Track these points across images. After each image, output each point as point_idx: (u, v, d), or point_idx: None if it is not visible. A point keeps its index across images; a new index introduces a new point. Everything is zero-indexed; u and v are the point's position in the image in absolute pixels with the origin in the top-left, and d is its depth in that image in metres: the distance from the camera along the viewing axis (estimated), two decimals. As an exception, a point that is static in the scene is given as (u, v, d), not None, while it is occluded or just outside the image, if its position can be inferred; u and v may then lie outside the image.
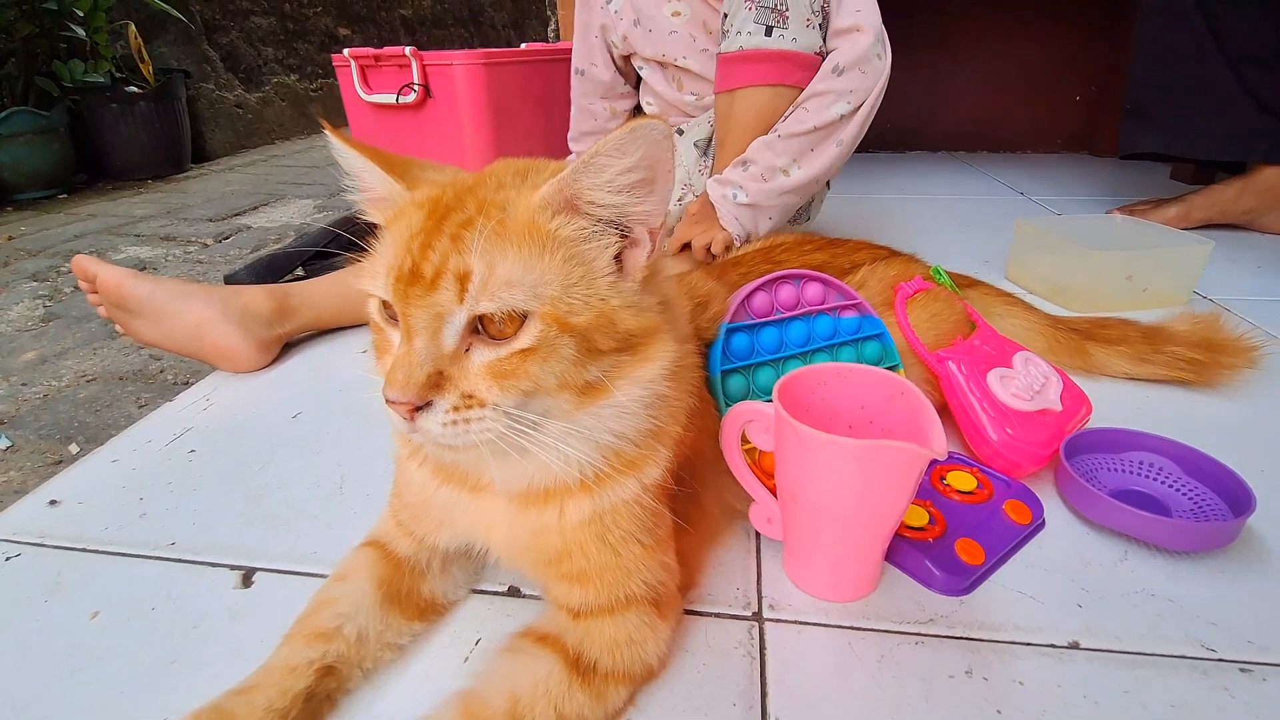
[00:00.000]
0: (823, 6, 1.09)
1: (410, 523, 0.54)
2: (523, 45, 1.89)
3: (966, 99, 2.44)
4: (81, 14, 2.37)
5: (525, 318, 0.39)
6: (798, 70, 1.08)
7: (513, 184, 0.41)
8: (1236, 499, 0.62)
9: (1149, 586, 0.57)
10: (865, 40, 1.07)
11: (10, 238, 1.97)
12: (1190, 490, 0.65)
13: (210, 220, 2.20)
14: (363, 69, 1.51)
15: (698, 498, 0.59)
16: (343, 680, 0.48)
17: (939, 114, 2.48)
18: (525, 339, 0.38)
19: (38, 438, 1.01)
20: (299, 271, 1.48)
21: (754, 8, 1.06)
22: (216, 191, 2.57)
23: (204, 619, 0.56)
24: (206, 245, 1.97)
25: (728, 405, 0.59)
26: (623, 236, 0.41)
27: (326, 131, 0.45)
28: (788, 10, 1.05)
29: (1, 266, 1.77)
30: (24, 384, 1.17)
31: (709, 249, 1.08)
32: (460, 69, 1.41)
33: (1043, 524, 0.64)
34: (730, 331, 0.63)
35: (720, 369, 0.61)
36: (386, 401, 0.38)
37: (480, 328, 0.39)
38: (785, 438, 0.51)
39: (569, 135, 1.44)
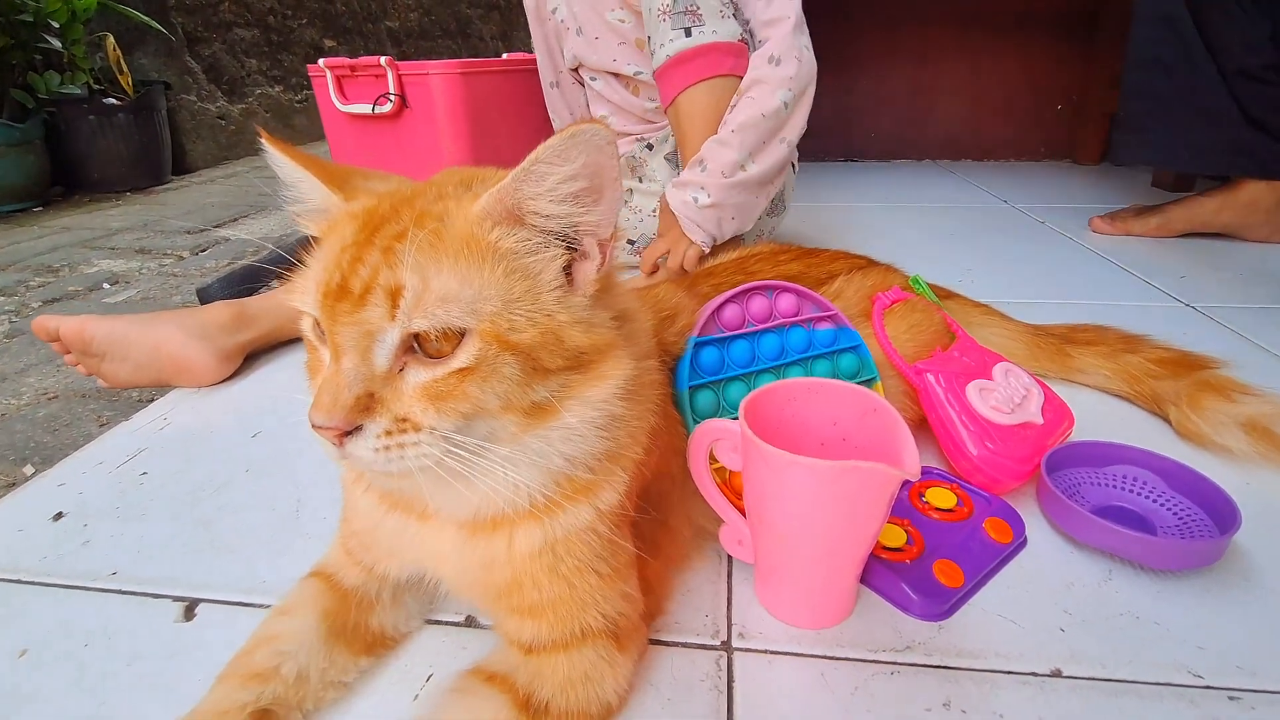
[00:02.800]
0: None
1: (359, 551, 0.51)
2: (504, 55, 1.87)
3: (950, 109, 2.44)
4: (58, 25, 2.34)
5: (463, 335, 0.36)
6: (727, 58, 1.09)
7: (454, 194, 0.39)
8: (1222, 515, 0.59)
9: (1134, 609, 0.55)
10: (788, 26, 1.09)
11: (-21, 251, 1.93)
12: (1175, 506, 0.63)
13: (188, 232, 2.17)
14: (339, 79, 1.49)
15: (665, 520, 0.56)
16: (280, 723, 0.45)
17: (923, 124, 2.48)
18: (463, 358, 0.36)
19: (-9, 459, 0.97)
20: (274, 284, 1.45)
21: (667, 17, 1.08)
22: (195, 203, 2.53)
23: (140, 657, 0.52)
24: (183, 258, 1.94)
25: (696, 422, 0.57)
26: (570, 249, 0.39)
27: (263, 139, 0.43)
28: (699, 9, 1.07)
29: (-35, 280, 1.73)
30: (-20, 403, 1.13)
31: (682, 266, 1.07)
32: (437, 79, 1.39)
33: (1024, 542, 0.61)
34: (699, 346, 0.61)
35: (688, 385, 0.59)
36: (313, 426, 0.35)
37: (416, 346, 0.36)
38: (751, 457, 0.48)
39: None
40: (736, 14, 1.10)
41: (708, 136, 1.09)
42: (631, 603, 0.47)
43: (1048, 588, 0.57)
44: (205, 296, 1.22)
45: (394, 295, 0.35)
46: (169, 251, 1.98)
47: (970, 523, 0.61)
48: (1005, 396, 0.69)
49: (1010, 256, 1.44)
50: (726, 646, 0.52)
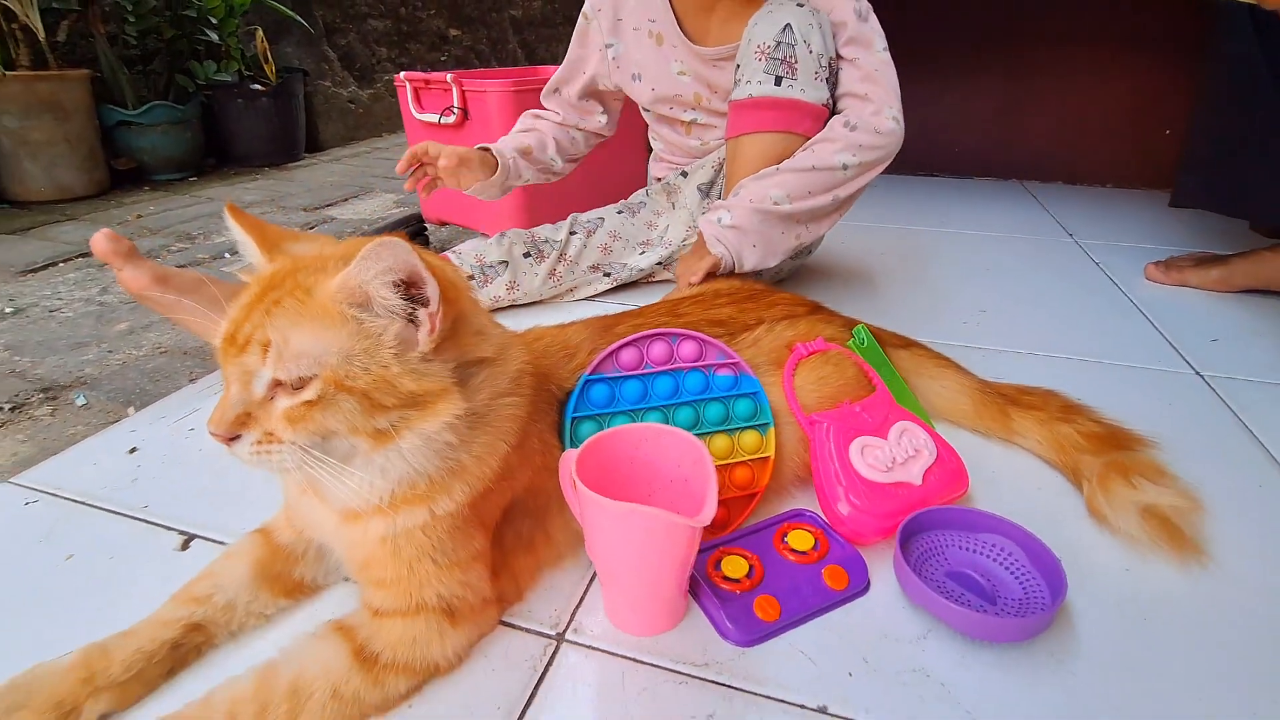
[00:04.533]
0: (830, 63, 1.13)
1: (292, 517, 0.66)
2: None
3: (1041, 128, 2.31)
4: (216, 20, 2.72)
5: (313, 378, 0.49)
6: (805, 119, 1.13)
7: (332, 268, 0.51)
8: (1056, 591, 0.62)
9: (930, 668, 0.60)
10: (880, 108, 1.13)
11: (139, 216, 2.32)
12: (1027, 581, 0.66)
13: (304, 209, 2.48)
14: (416, 91, 1.68)
15: (544, 525, 0.68)
16: (210, 637, 0.61)
17: (1011, 142, 2.36)
18: (309, 393, 0.49)
19: (106, 399, 1.23)
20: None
21: (764, 58, 1.12)
22: (319, 181, 2.87)
23: (143, 574, 0.71)
24: (292, 234, 2.22)
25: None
26: (409, 317, 0.51)
27: (226, 212, 0.57)
28: (797, 63, 1.11)
29: (130, 240, 2.10)
30: (110, 351, 1.41)
31: (690, 281, 1.14)
32: (493, 95, 1.53)
33: (863, 591, 0.67)
34: (589, 382, 0.71)
35: (571, 415, 0.69)
36: (209, 432, 0.50)
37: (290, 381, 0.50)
38: (573, 490, 0.58)
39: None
40: (829, 80, 1.14)
41: None
42: (470, 588, 0.59)
43: (860, 636, 0.63)
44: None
45: (265, 347, 0.48)
46: (284, 227, 2.29)
47: (814, 567, 0.68)
48: (885, 455, 0.73)
49: (1037, 301, 1.39)
50: (560, 638, 0.63)
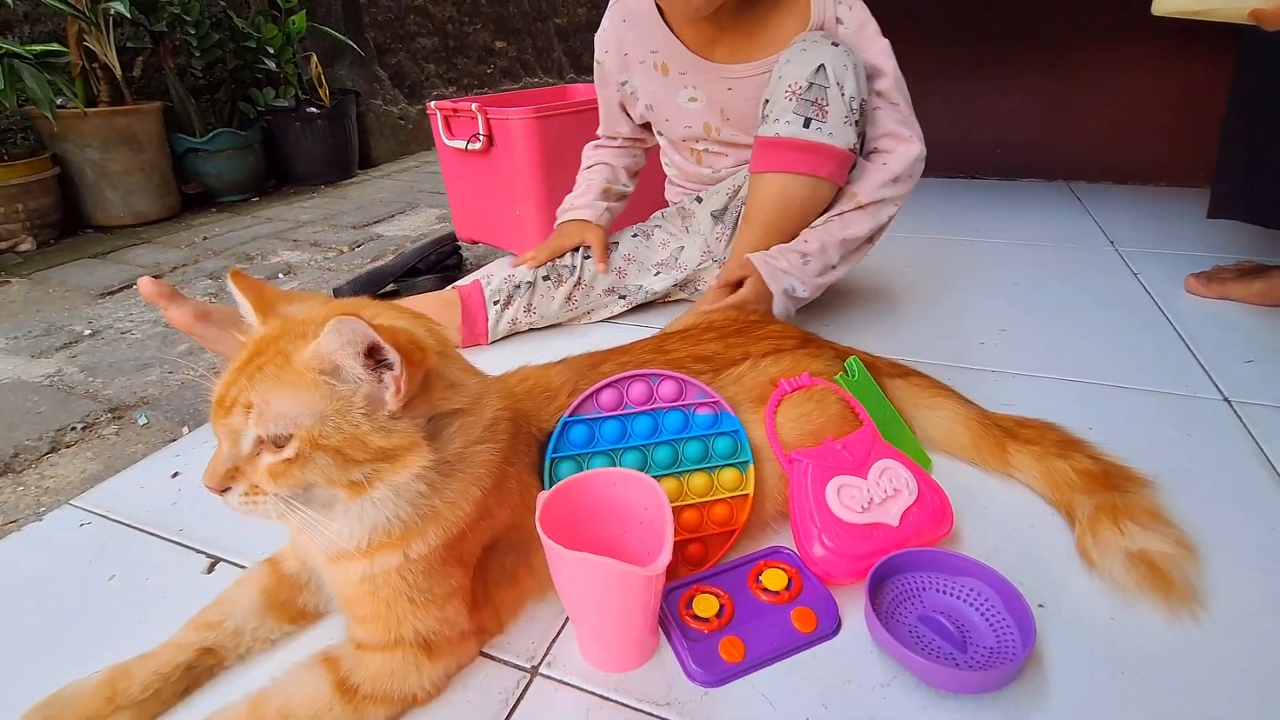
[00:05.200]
0: (860, 106, 1.12)
1: (297, 549, 0.72)
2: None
3: (1089, 126, 2.20)
4: (274, 49, 2.88)
5: (291, 436, 0.54)
6: (830, 164, 1.14)
7: (311, 335, 0.56)
8: (1026, 640, 0.62)
9: (891, 715, 0.60)
10: (915, 150, 1.18)
11: (205, 238, 2.49)
12: (1001, 628, 0.66)
13: (354, 227, 2.61)
14: (446, 119, 1.75)
15: (528, 560, 0.72)
16: (220, 659, 0.67)
17: (1056, 141, 2.27)
18: (288, 451, 0.54)
19: (165, 419, 1.35)
20: (391, 287, 1.77)
21: (795, 99, 1.12)
22: (369, 198, 3.01)
23: (172, 595, 0.78)
24: (341, 253, 2.35)
25: (555, 487, 0.71)
26: (379, 380, 0.55)
27: (230, 277, 0.63)
28: (828, 106, 1.11)
29: (191, 264, 2.26)
30: (170, 372, 1.54)
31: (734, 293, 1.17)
32: (516, 122, 1.58)
33: (832, 634, 0.68)
34: (569, 424, 0.74)
35: (551, 455, 0.73)
36: (203, 484, 0.55)
37: (273, 440, 0.55)
38: (539, 530, 0.61)
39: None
40: (859, 123, 1.15)
41: (779, 219, 1.18)
42: (447, 624, 0.63)
43: (823, 679, 0.64)
44: (338, 295, 1.54)
45: (248, 409, 0.53)
46: (333, 245, 2.41)
47: (783, 608, 0.69)
48: (862, 496, 0.74)
49: (1063, 318, 1.34)
50: (534, 671, 0.66)
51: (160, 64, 2.68)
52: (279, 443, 0.54)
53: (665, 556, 0.58)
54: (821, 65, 1.10)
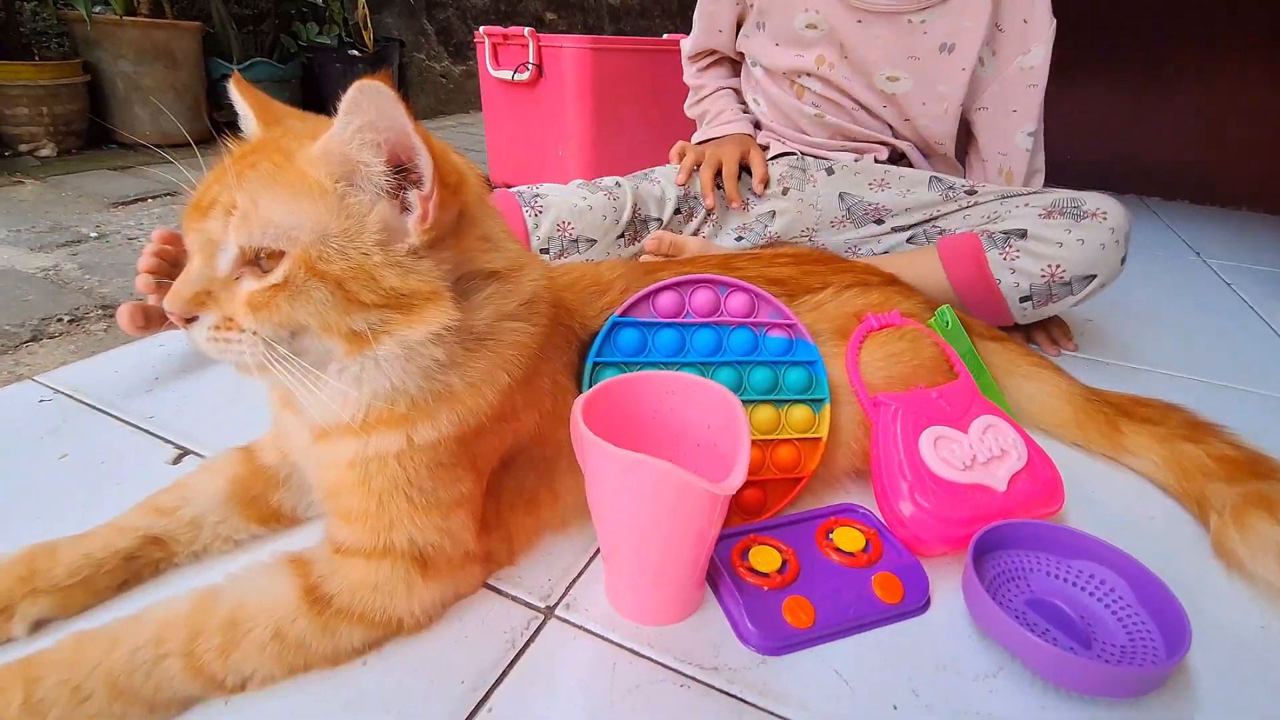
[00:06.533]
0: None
1: (277, 436, 0.60)
2: (664, 35, 1.92)
3: (1174, 138, 2.06)
4: (323, -17, 2.79)
5: (283, 256, 0.42)
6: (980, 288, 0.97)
7: (322, 134, 0.44)
8: (1174, 642, 0.49)
9: (998, 714, 0.47)
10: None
11: (229, 164, 2.39)
12: (1132, 622, 0.53)
13: (383, 172, 2.51)
14: (494, 46, 1.63)
15: (551, 483, 0.59)
16: (170, 554, 0.55)
17: (1138, 152, 2.12)
18: (276, 275, 0.41)
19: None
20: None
21: (1055, 215, 0.93)
22: (401, 148, 2.91)
23: (129, 483, 0.66)
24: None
25: (595, 398, 0.58)
26: (403, 204, 0.43)
27: (231, 81, 0.51)
28: (1053, 299, 0.95)
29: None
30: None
31: None
32: (569, 51, 1.47)
33: (921, 609, 0.55)
34: (618, 325, 0.62)
35: (594, 360, 0.60)
36: (164, 309, 0.43)
37: (257, 261, 0.43)
38: (574, 432, 0.49)
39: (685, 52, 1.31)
40: None
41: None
42: (449, 537, 0.50)
43: (914, 662, 0.51)
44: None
45: (229, 211, 0.41)
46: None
47: (862, 573, 0.56)
48: (963, 451, 0.61)
49: (1155, 316, 1.21)
50: (548, 612, 0.54)
51: (205, -17, 2.59)
52: (265, 265, 0.42)
53: (739, 474, 0.45)
54: (1095, 276, 0.93)
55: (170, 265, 0.81)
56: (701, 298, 0.65)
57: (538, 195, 1.06)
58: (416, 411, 0.47)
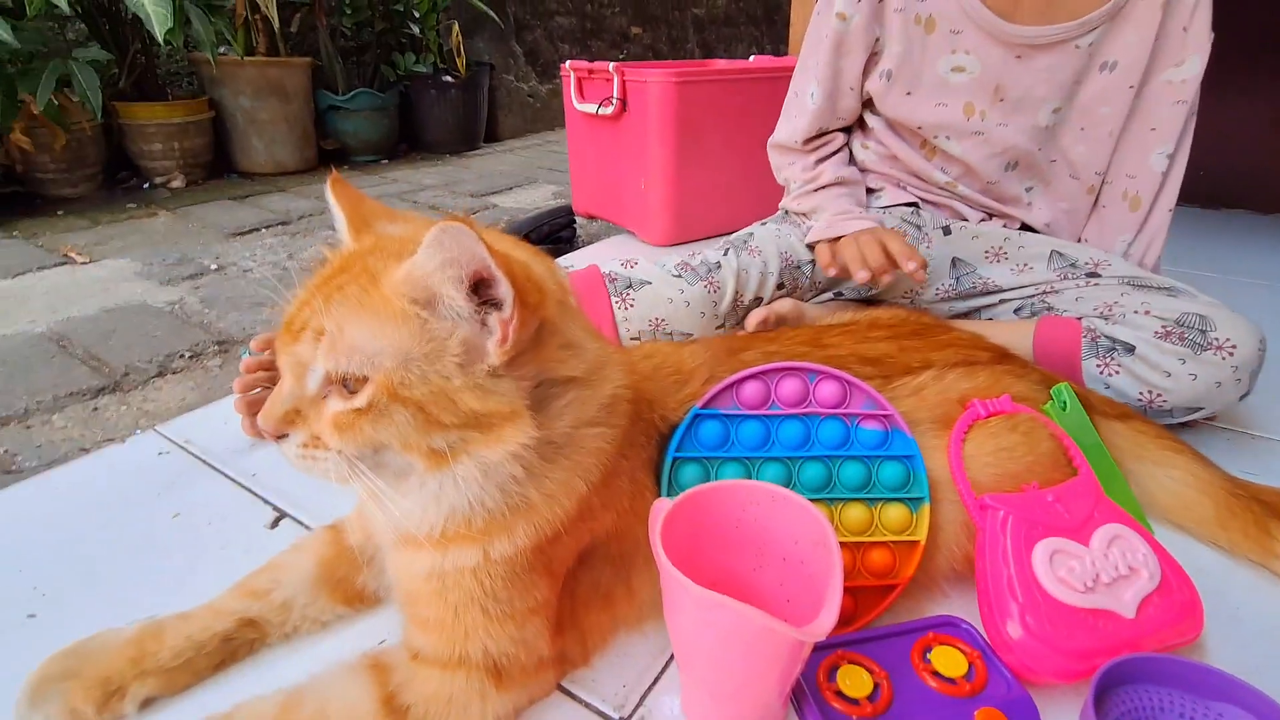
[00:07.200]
0: None
1: (364, 518, 0.61)
2: (750, 58, 1.88)
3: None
4: (419, 14, 2.91)
5: (367, 380, 0.42)
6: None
7: (408, 253, 0.44)
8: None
9: None
10: None
11: (334, 193, 2.53)
12: (1295, 797, 0.45)
13: (472, 195, 2.58)
14: (579, 80, 1.64)
15: (627, 579, 0.57)
16: (263, 634, 0.57)
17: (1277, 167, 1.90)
18: (360, 400, 0.42)
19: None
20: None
21: (1174, 339, 0.84)
22: (491, 169, 3.00)
23: (231, 545, 0.70)
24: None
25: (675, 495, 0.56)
26: (483, 323, 0.42)
27: (329, 182, 0.52)
28: (1157, 397, 0.85)
29: (317, 214, 2.29)
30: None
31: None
32: (654, 85, 1.45)
33: (1031, 754, 0.49)
34: (700, 417, 0.59)
35: (674, 455, 0.58)
36: (258, 425, 0.45)
37: (343, 381, 0.43)
38: (653, 540, 0.47)
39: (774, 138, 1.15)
40: None
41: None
42: (524, 647, 0.50)
43: (1022, 820, 0.46)
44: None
45: (319, 336, 0.42)
46: (450, 211, 2.39)
47: (963, 705, 0.51)
48: (1086, 570, 0.54)
49: None
50: (623, 723, 0.52)
51: (314, 21, 2.76)
52: (351, 386, 0.42)
53: (829, 618, 0.41)
54: (1202, 409, 0.84)
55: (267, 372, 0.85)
56: (789, 387, 0.61)
57: (630, 287, 1.00)
58: (493, 525, 0.47)
